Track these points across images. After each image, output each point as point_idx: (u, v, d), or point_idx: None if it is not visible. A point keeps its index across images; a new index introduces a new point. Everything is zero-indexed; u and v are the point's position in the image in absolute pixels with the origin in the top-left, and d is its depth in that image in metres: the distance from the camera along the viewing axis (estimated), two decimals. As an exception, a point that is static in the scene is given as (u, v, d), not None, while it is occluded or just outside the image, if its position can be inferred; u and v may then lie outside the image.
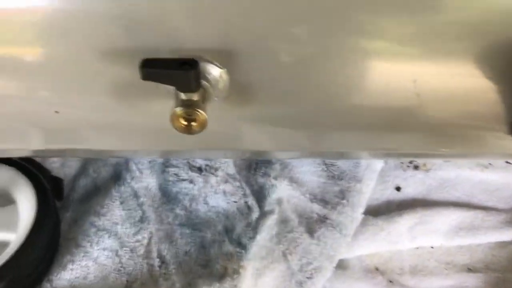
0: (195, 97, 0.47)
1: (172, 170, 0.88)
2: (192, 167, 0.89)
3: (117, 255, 0.76)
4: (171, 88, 0.49)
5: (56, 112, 0.54)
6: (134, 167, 0.86)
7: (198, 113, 0.47)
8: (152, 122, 0.57)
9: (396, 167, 0.96)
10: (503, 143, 0.59)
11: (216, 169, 0.88)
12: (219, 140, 0.60)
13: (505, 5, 0.45)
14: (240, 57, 0.49)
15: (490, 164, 0.97)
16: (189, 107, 0.46)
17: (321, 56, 0.49)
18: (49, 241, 0.75)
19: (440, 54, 0.49)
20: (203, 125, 0.48)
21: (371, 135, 0.60)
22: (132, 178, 0.85)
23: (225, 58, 0.49)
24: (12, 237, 0.74)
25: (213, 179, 0.87)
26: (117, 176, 0.87)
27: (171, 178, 0.87)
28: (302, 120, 0.58)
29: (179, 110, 0.46)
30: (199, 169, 0.89)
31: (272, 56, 0.49)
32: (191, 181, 0.87)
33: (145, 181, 0.85)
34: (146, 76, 0.45)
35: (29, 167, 0.81)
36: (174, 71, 0.45)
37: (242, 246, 0.76)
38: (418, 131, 0.58)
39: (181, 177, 0.88)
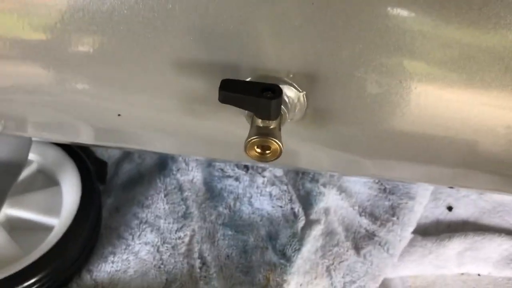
0: (272, 124, 0.43)
1: (218, 165, 0.85)
2: (238, 164, 0.86)
3: (158, 251, 0.75)
4: (245, 111, 0.46)
5: (119, 115, 0.51)
6: (180, 158, 0.84)
7: (274, 142, 0.43)
8: (214, 132, 0.54)
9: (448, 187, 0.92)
10: None
11: (264, 170, 0.85)
12: (281, 158, 0.57)
13: None
14: (321, 82, 0.45)
15: (549, 192, 0.92)
16: (266, 136, 0.43)
17: (408, 91, 0.45)
18: (92, 228, 0.73)
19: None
20: (277, 155, 0.44)
21: (446, 171, 0.56)
22: (178, 170, 0.83)
23: (305, 82, 0.45)
24: (55, 221, 0.73)
25: (259, 179, 0.84)
26: (162, 165, 0.85)
27: (216, 173, 0.85)
28: (371, 148, 0.54)
29: (255, 139, 0.43)
30: (246, 167, 0.86)
31: (356, 84, 0.45)
32: (236, 179, 0.84)
33: (191, 174, 0.83)
34: (224, 99, 0.42)
35: (74, 148, 0.79)
36: (255, 97, 0.41)
37: (286, 258, 0.74)
38: (503, 175, 0.54)
39: (226, 173, 0.85)
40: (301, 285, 0.72)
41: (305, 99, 0.46)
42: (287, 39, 0.43)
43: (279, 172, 0.85)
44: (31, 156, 0.77)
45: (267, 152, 0.45)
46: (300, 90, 0.45)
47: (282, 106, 0.44)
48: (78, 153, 0.79)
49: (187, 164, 0.84)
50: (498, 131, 0.47)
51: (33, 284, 0.65)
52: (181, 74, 0.46)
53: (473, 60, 0.42)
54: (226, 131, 0.53)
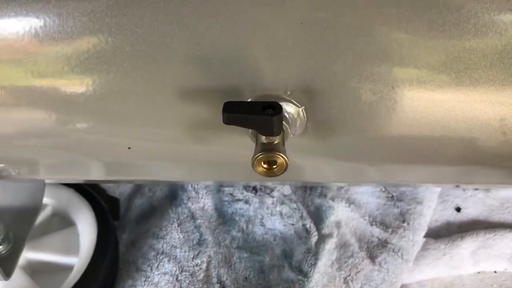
0: (276, 140, 0.46)
1: (227, 190, 0.87)
2: (247, 187, 0.88)
3: (177, 280, 0.76)
4: (249, 130, 0.48)
5: (129, 148, 0.53)
6: (189, 187, 0.86)
7: (280, 156, 0.45)
8: (222, 155, 0.56)
9: (455, 186, 0.93)
10: None
11: (272, 190, 0.87)
12: (288, 173, 0.59)
13: None
14: (318, 96, 0.48)
15: (555, 183, 0.93)
16: (271, 151, 0.45)
17: (402, 96, 0.47)
18: (110, 264, 0.75)
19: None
20: (284, 168, 0.46)
21: (447, 170, 0.57)
22: (188, 199, 0.85)
23: (303, 97, 0.47)
24: (74, 260, 0.74)
25: (269, 200, 0.86)
26: (173, 195, 0.87)
27: (226, 198, 0.87)
28: (373, 154, 0.56)
29: (261, 155, 0.45)
30: (254, 189, 0.88)
31: (351, 95, 0.47)
32: (246, 202, 0.86)
33: (201, 201, 0.85)
34: (228, 121, 0.44)
35: (86, 187, 0.82)
36: (257, 116, 0.43)
37: (303, 273, 0.75)
38: (500, 167, 0.56)
39: (236, 197, 0.87)
40: (320, 298, 0.73)
41: (304, 113, 0.49)
42: (281, 59, 0.45)
43: (287, 190, 0.87)
44: (45, 200, 0.79)
45: (274, 167, 0.47)
46: (299, 106, 0.48)
47: (283, 122, 0.47)
48: (90, 192, 0.81)
49: (197, 192, 0.86)
50: (492, 125, 0.49)
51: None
52: (185, 102, 0.48)
53: (459, 60, 0.45)
54: (232, 154, 0.55)
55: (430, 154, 0.54)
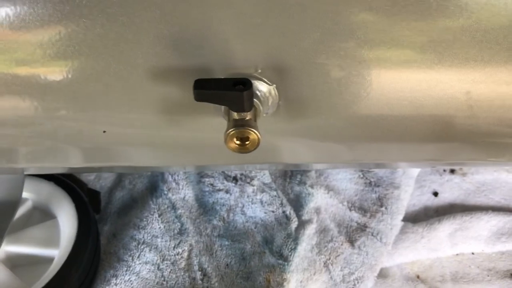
0: (247, 116, 0.46)
1: (207, 180, 0.88)
2: (227, 177, 0.88)
3: (159, 268, 0.76)
4: (221, 108, 0.49)
5: (104, 131, 0.54)
6: (170, 178, 0.86)
7: (252, 132, 0.46)
8: (197, 139, 0.57)
9: (432, 172, 0.95)
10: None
11: (252, 179, 0.88)
12: (263, 154, 0.60)
13: None
14: (288, 74, 0.49)
15: (528, 166, 0.96)
16: (243, 127, 0.46)
17: (369, 71, 0.48)
18: (91, 255, 0.75)
19: (492, 64, 0.48)
20: (256, 144, 0.47)
21: (418, 146, 0.59)
22: (169, 190, 0.85)
23: (274, 75, 0.48)
24: (54, 252, 0.75)
25: (249, 189, 0.87)
26: (153, 187, 0.87)
27: (207, 189, 0.87)
28: (346, 133, 0.57)
29: (233, 130, 0.46)
30: (235, 179, 0.88)
31: (320, 71, 0.49)
32: (227, 191, 0.87)
33: (182, 192, 0.85)
34: (199, 97, 0.45)
35: (67, 181, 0.82)
36: (227, 92, 0.44)
37: (283, 258, 0.76)
38: (468, 142, 0.57)
39: (216, 187, 0.87)
40: (301, 282, 0.74)
41: (276, 92, 0.49)
42: (251, 37, 0.46)
43: (267, 179, 0.88)
44: (25, 194, 0.79)
45: (247, 143, 0.47)
46: (270, 84, 0.49)
47: (255, 99, 0.48)
48: (71, 186, 0.81)
49: (177, 183, 0.86)
50: (459, 98, 0.51)
51: (38, 315, 0.67)
52: (157, 83, 0.49)
53: (423, 36, 0.46)
54: (207, 136, 0.56)
55: (400, 131, 0.56)
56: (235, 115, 0.47)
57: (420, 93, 0.50)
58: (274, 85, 0.49)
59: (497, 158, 0.61)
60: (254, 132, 0.46)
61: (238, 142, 0.47)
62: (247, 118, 0.47)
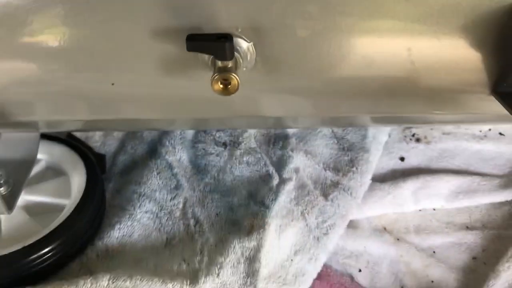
0: (229, 64, 0.58)
1: (200, 145, 1.00)
2: (217, 143, 1.00)
3: (157, 217, 0.87)
4: (209, 61, 0.60)
5: (112, 84, 0.65)
6: (167, 143, 0.98)
7: (233, 77, 0.58)
8: (191, 90, 0.68)
9: (400, 140, 1.07)
10: (486, 104, 0.69)
11: (239, 144, 0.99)
12: (245, 106, 0.71)
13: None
14: (263, 33, 0.60)
15: (485, 136, 1.07)
16: (225, 72, 0.57)
17: (328, 32, 0.60)
18: (97, 206, 0.86)
19: (431, 27, 0.60)
20: (236, 87, 0.59)
21: (373, 101, 0.70)
22: (166, 152, 0.97)
23: (251, 34, 0.60)
24: (66, 202, 0.86)
25: (237, 152, 0.98)
26: (152, 151, 0.99)
27: (199, 153, 0.99)
28: (313, 88, 0.68)
29: (217, 75, 0.57)
30: (224, 144, 1.00)
31: (289, 31, 0.60)
32: (217, 155, 0.99)
33: (178, 155, 0.97)
34: (190, 48, 0.56)
35: (78, 144, 0.93)
36: (213, 43, 0.56)
37: (265, 206, 0.87)
38: (413, 95, 0.68)
39: (208, 151, 0.99)
40: (280, 226, 0.85)
41: (253, 48, 0.61)
42: (231, 1, 0.58)
43: (253, 144, 1.00)
44: (40, 155, 0.90)
45: (229, 86, 0.59)
46: (248, 41, 0.60)
47: (236, 53, 0.59)
48: (80, 147, 0.92)
49: (173, 147, 0.98)
50: (402, 55, 0.62)
51: (51, 250, 0.77)
52: (156, 40, 0.60)
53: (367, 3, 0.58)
54: (198, 89, 0.67)
55: (357, 87, 0.66)
56: (219, 63, 0.58)
57: (370, 53, 0.61)
58: (252, 43, 0.60)
59: (441, 110, 0.72)
60: (235, 77, 0.58)
61: (221, 86, 0.59)
62: (229, 66, 0.58)
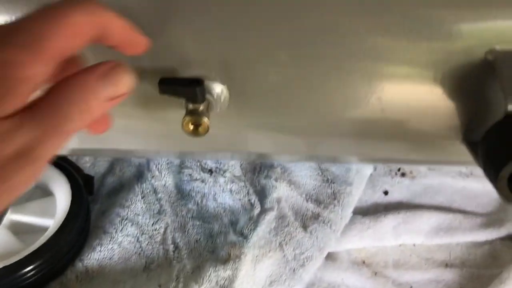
0: (200, 107, 0.60)
1: (186, 171, 1.02)
2: (203, 169, 1.02)
3: (138, 241, 0.90)
4: (183, 102, 0.62)
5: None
6: (154, 168, 1.00)
7: (203, 120, 0.60)
8: (168, 127, 0.70)
9: (385, 174, 1.08)
10: (458, 149, 0.70)
11: (225, 171, 1.01)
12: (224, 142, 0.73)
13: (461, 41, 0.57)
14: (236, 77, 0.62)
15: (471, 173, 1.08)
16: (196, 115, 0.60)
17: (301, 77, 0.62)
18: (81, 227, 0.88)
19: (401, 76, 0.61)
20: (206, 129, 0.61)
21: (348, 142, 0.71)
22: (152, 177, 0.99)
23: (225, 77, 0.62)
24: (50, 222, 0.88)
25: (221, 179, 1.00)
26: (140, 175, 1.01)
27: (185, 178, 1.01)
28: (288, 128, 0.70)
29: (187, 117, 0.59)
30: (210, 171, 1.02)
31: (262, 76, 0.62)
32: (202, 181, 1.01)
33: (163, 179, 0.99)
34: (162, 91, 0.59)
35: (66, 166, 0.96)
36: (184, 87, 0.58)
37: (244, 236, 0.89)
38: (387, 139, 0.70)
39: (194, 177, 1.01)
40: (257, 256, 0.86)
41: (227, 90, 0.63)
42: (204, 45, 0.60)
43: (238, 172, 1.02)
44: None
45: (199, 128, 0.61)
46: (222, 84, 0.62)
47: (209, 95, 0.62)
48: (68, 169, 0.95)
49: (160, 172, 1.00)
50: (373, 103, 0.64)
51: (32, 269, 0.80)
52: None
53: (330, 49, 0.59)
54: (176, 124, 0.69)
55: (330, 128, 0.69)
56: (190, 105, 0.60)
57: (342, 99, 0.63)
58: (226, 85, 0.62)
59: (416, 155, 0.73)
60: (205, 120, 0.60)
61: (192, 127, 0.61)
62: (200, 109, 0.60)
